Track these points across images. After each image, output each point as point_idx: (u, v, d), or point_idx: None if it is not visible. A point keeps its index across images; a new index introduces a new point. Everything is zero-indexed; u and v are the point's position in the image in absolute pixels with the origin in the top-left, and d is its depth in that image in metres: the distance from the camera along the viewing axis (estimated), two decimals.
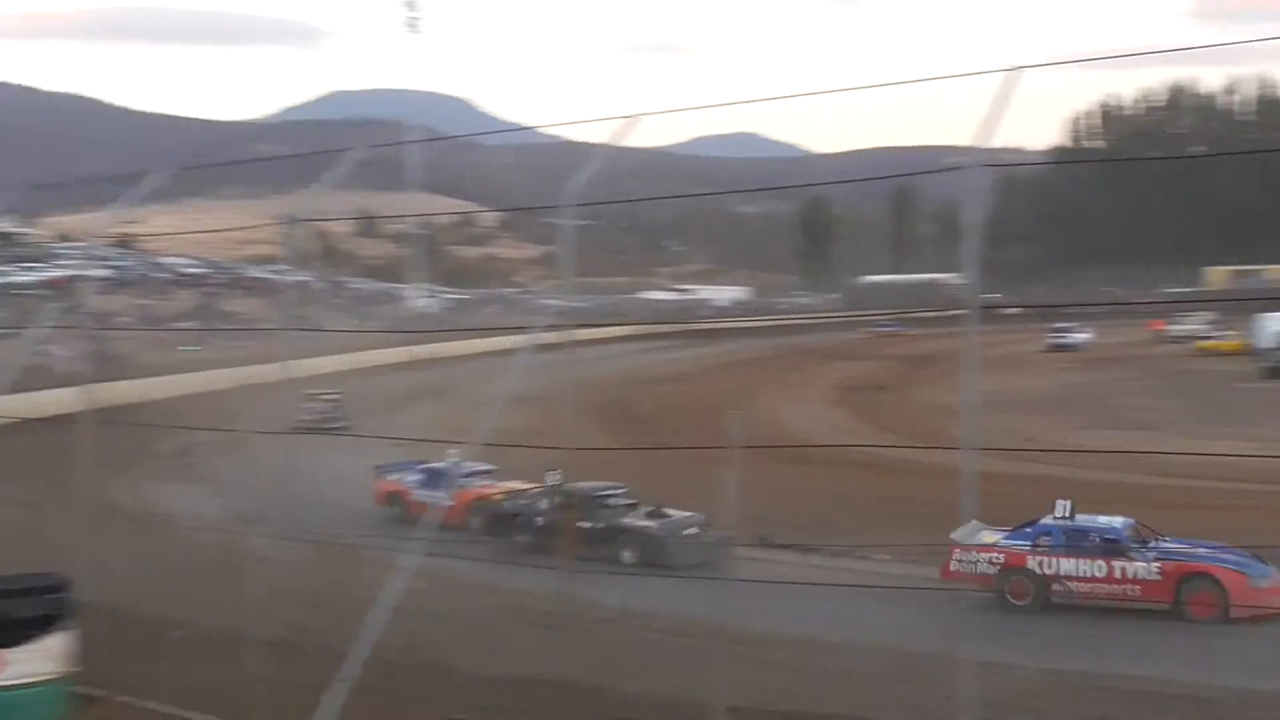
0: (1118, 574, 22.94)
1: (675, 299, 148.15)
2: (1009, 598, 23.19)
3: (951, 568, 23.49)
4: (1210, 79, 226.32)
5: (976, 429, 13.32)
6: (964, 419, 13.51)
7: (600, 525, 27.93)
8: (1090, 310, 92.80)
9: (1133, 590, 22.79)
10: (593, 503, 28.33)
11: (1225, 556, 22.75)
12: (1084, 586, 23.12)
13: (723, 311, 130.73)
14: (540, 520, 28.49)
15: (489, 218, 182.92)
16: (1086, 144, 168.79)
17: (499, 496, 31.26)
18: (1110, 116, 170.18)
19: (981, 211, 13.77)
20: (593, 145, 18.34)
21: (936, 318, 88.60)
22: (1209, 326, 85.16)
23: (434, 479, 32.15)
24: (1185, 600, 22.36)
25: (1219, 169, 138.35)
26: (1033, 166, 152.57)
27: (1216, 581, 22.30)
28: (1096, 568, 23.05)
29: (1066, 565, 23.21)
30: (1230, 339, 78.61)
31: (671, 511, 28.50)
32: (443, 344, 71.51)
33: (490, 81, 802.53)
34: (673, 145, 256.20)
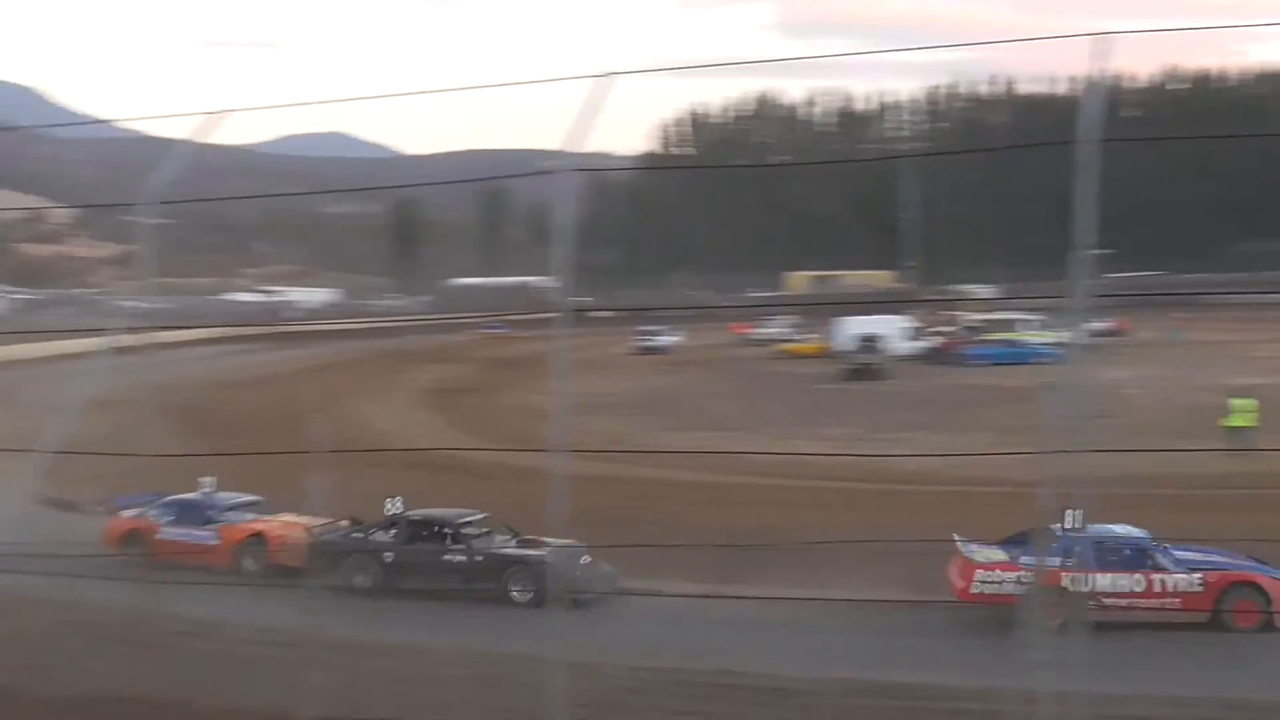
0: (1157, 587, 22.16)
1: (263, 301, 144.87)
2: (1035, 618, 21.97)
3: (973, 590, 22.20)
4: (793, 91, 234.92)
5: (566, 431, 13.25)
6: (554, 421, 13.46)
7: (479, 558, 25.06)
8: (678, 313, 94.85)
9: (1172, 603, 22.01)
10: (456, 532, 25.55)
11: (1253, 565, 22.37)
12: (1122, 602, 22.02)
13: (313, 314, 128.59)
14: (389, 556, 25.43)
15: (61, 214, 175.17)
16: (676, 151, 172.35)
17: (307, 529, 26.71)
18: (699, 124, 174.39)
19: (572, 215, 13.72)
20: (175, 142, 17.58)
21: (540, 320, 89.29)
22: (791, 329, 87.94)
23: (187, 513, 28.01)
24: (1226, 610, 21.80)
25: (801, 178, 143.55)
26: (624, 171, 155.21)
27: (1260, 590, 21.90)
28: (1135, 582, 22.15)
29: (1104, 581, 21.87)
30: (811, 342, 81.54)
31: (547, 539, 25.00)
32: (9, 346, 67.78)
33: (63, 72, 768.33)
34: (260, 143, 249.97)
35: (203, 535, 27.47)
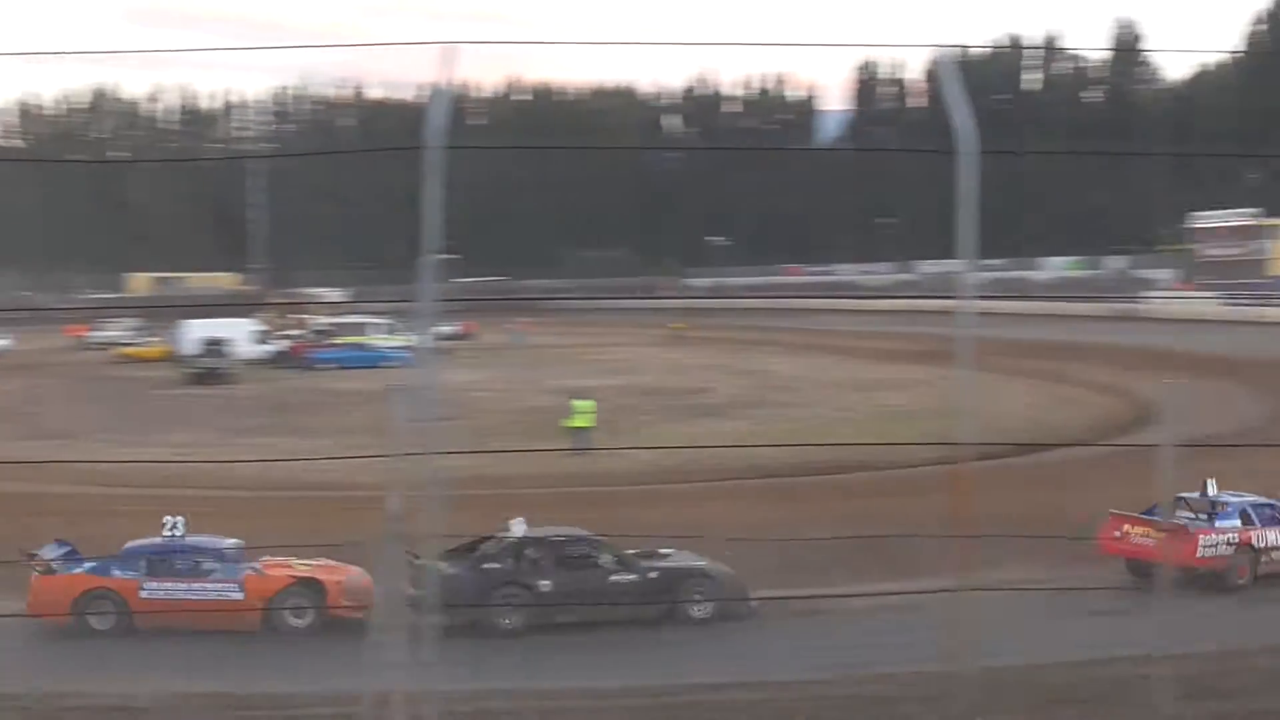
0: None
1: None
2: (1234, 578, 23.51)
3: (1200, 554, 23.29)
4: (135, 84, 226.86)
5: None
6: None
7: (652, 575, 22.08)
8: (6, 315, 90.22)
9: None
10: (608, 550, 22.37)
11: None
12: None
13: None
14: (546, 585, 21.74)
15: None
16: (3, 143, 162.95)
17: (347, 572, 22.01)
18: (30, 115, 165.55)
19: None
20: None
21: None
22: (131, 333, 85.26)
23: (175, 564, 22.04)
24: None
25: (142, 176, 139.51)
26: None
27: None
28: None
29: (1272, 536, 24.11)
30: (153, 345, 79.32)
31: (664, 550, 22.81)
32: None
33: None
34: None
35: (219, 589, 21.96)
